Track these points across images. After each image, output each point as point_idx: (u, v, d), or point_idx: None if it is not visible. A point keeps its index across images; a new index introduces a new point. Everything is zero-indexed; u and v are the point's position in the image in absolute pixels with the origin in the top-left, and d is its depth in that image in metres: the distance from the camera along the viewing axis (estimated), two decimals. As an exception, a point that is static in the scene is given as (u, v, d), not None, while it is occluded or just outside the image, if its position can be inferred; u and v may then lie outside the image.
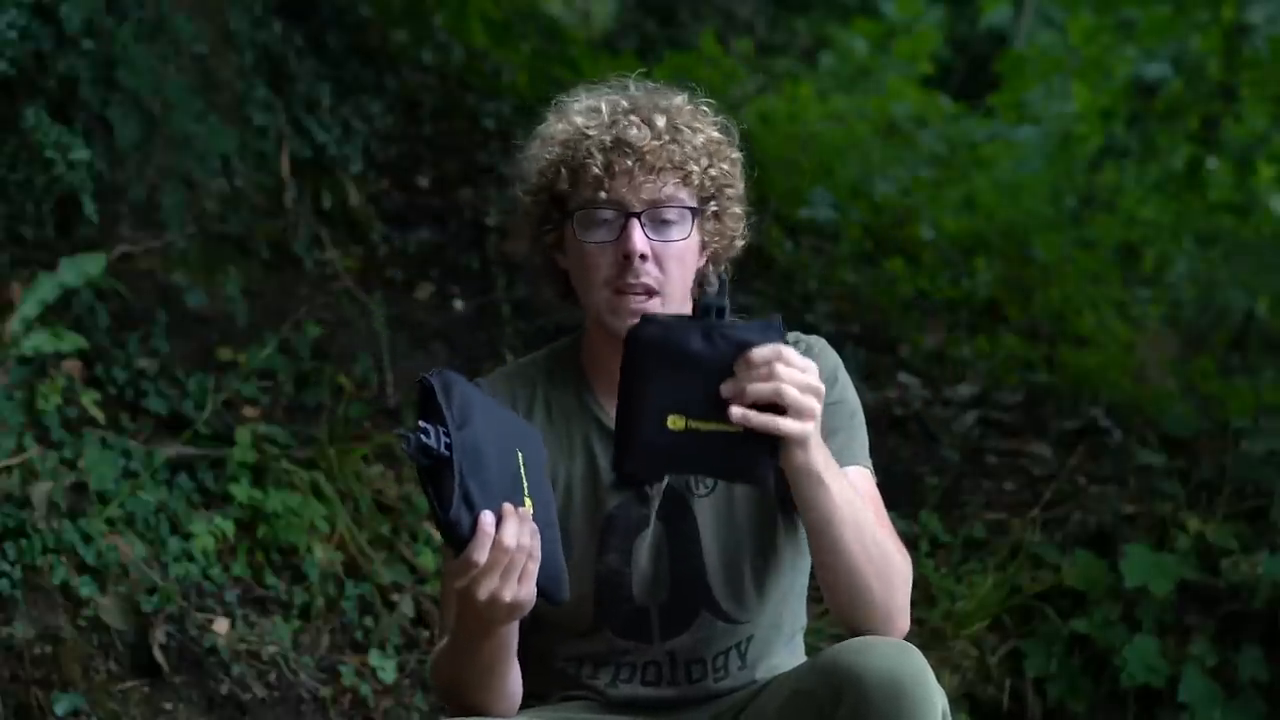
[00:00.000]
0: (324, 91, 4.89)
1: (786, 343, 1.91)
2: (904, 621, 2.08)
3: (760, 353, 1.88)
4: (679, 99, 2.16)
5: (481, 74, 6.02)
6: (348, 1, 5.49)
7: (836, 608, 2.07)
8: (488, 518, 1.87)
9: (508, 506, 1.89)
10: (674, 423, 1.88)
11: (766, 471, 1.92)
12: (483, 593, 1.89)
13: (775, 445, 1.90)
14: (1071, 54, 8.22)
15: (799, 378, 1.89)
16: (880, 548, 2.03)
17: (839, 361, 2.20)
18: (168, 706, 3.29)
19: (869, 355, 5.26)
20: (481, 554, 1.87)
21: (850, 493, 2.01)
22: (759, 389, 1.87)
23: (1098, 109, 8.12)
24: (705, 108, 2.18)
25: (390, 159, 5.23)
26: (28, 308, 3.73)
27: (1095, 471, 4.56)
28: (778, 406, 1.88)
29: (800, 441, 1.91)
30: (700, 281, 1.95)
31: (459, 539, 1.87)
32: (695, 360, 1.88)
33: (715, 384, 1.88)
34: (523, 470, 1.95)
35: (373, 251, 4.84)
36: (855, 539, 2.00)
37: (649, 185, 2.10)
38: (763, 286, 5.40)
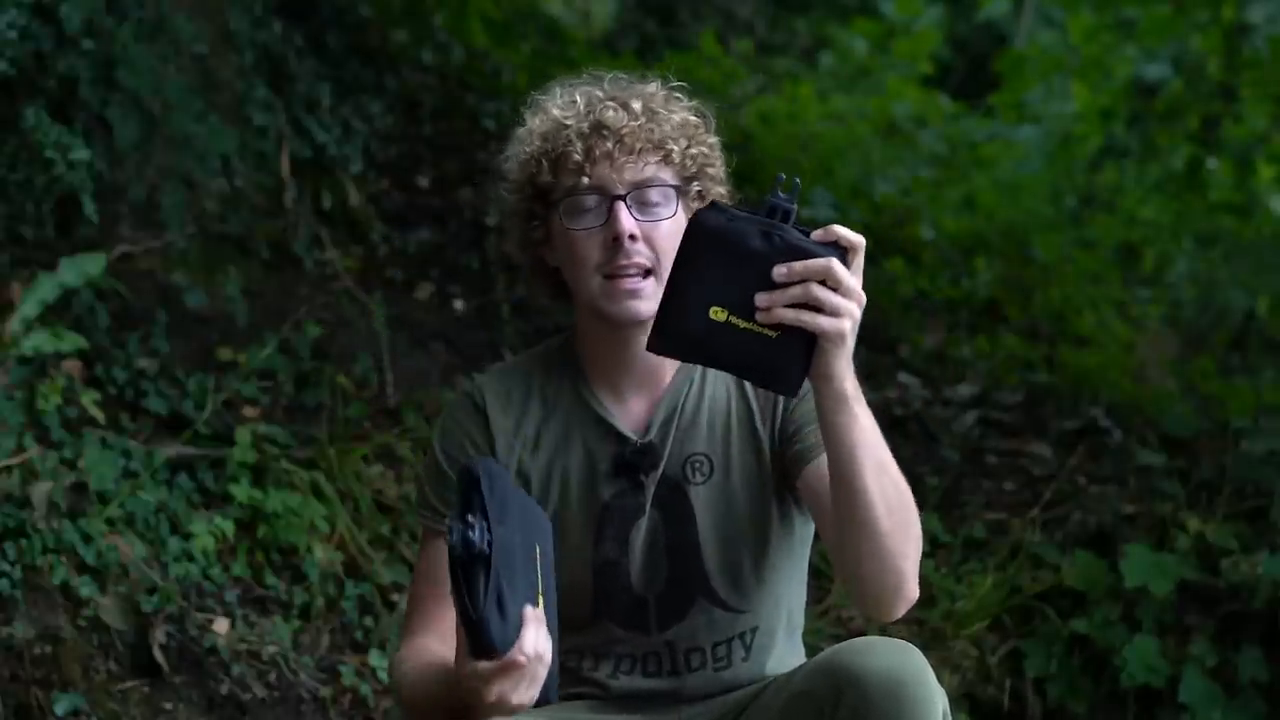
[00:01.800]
0: (324, 91, 4.89)
1: (845, 261, 1.89)
2: (913, 587, 2.02)
3: (800, 266, 1.85)
4: (652, 86, 2.18)
5: (481, 74, 6.02)
6: (348, 1, 5.48)
7: (846, 562, 2.00)
8: (530, 631, 1.85)
9: (529, 610, 1.87)
10: (716, 314, 1.86)
11: (798, 377, 1.88)
12: (493, 694, 1.86)
13: (810, 353, 1.87)
14: (1071, 54, 8.20)
15: (840, 278, 1.86)
16: (900, 495, 1.97)
17: None
18: (168, 706, 3.29)
19: (869, 355, 5.26)
20: (517, 659, 1.84)
21: (877, 434, 1.96)
22: (792, 292, 1.85)
23: (1098, 109, 8.10)
24: (679, 94, 2.20)
25: (390, 159, 5.23)
26: (28, 308, 3.72)
27: (1095, 471, 4.56)
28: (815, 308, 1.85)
29: (835, 340, 1.86)
30: (775, 183, 1.90)
31: (484, 638, 1.83)
32: (749, 256, 1.86)
33: (763, 285, 1.86)
34: (538, 567, 1.93)
35: (373, 251, 4.84)
36: (875, 479, 1.94)
37: (630, 166, 2.11)
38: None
